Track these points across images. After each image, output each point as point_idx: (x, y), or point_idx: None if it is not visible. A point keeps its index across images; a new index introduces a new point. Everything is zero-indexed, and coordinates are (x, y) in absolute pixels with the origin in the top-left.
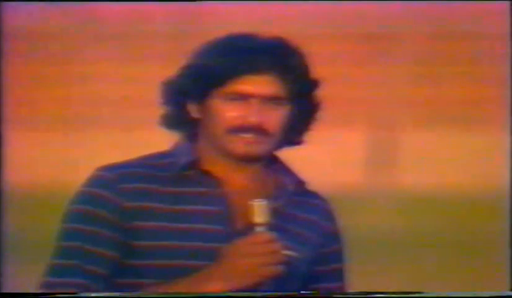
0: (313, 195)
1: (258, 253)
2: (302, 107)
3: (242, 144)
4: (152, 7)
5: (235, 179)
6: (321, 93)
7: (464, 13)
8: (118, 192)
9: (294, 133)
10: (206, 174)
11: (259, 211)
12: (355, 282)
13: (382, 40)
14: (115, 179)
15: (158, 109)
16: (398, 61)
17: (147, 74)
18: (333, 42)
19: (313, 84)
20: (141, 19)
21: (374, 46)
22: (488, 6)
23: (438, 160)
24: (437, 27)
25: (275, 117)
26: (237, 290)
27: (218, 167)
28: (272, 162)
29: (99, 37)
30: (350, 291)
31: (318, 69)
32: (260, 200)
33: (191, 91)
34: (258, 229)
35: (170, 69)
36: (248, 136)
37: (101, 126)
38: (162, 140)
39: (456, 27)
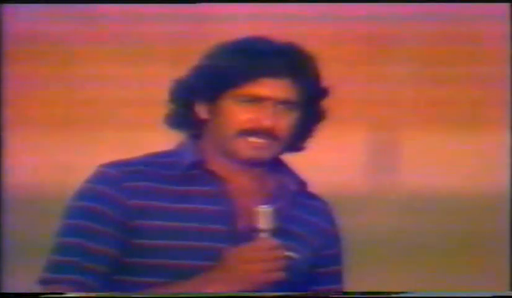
0: (314, 197)
1: (260, 259)
2: (310, 113)
3: (250, 148)
4: (154, 8)
5: (239, 179)
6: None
7: (465, 14)
8: (121, 190)
9: (298, 139)
10: (210, 173)
11: (264, 217)
12: (356, 283)
13: (383, 41)
14: (119, 176)
15: (160, 110)
16: (400, 62)
17: (149, 76)
18: (334, 43)
19: (324, 91)
20: (142, 20)
21: (375, 47)
22: (488, 8)
23: (439, 161)
24: (438, 28)
25: (286, 122)
26: (238, 292)
27: (222, 167)
28: (274, 163)
29: (100, 38)
30: (350, 291)
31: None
32: (265, 206)
33: (202, 91)
34: (262, 235)
35: (173, 70)
36: (259, 140)
37: (102, 128)
38: (164, 141)
39: (457, 28)
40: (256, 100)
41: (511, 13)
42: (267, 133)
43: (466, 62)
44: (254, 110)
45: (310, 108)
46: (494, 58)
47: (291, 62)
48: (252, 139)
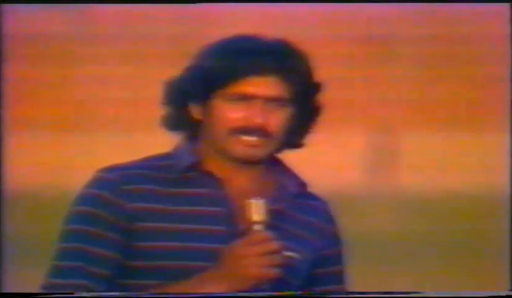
0: (314, 197)
1: (256, 254)
2: (304, 109)
3: (244, 146)
4: (153, 8)
5: (237, 180)
6: (322, 95)
7: (464, 15)
8: (120, 194)
9: (295, 136)
10: (208, 175)
11: (256, 209)
12: (356, 283)
13: (382, 41)
14: (117, 180)
15: (158, 111)
16: (399, 62)
17: (147, 76)
18: (333, 44)
19: (317, 87)
20: (140, 21)
21: (374, 48)
22: (488, 8)
23: (438, 161)
24: (438, 28)
25: (278, 119)
26: (237, 292)
27: (220, 168)
28: (273, 164)
29: (99, 39)
30: (350, 291)
31: (318, 71)
32: (257, 199)
33: (193, 92)
34: (256, 227)
35: (170, 70)
36: (251, 138)
37: (101, 128)
38: (162, 142)
39: (456, 28)
40: (246, 98)
41: (511, 13)
42: (258, 130)
43: (466, 62)
44: (244, 108)
45: (304, 104)
46: (494, 58)
47: (279, 59)
48: (244, 137)
